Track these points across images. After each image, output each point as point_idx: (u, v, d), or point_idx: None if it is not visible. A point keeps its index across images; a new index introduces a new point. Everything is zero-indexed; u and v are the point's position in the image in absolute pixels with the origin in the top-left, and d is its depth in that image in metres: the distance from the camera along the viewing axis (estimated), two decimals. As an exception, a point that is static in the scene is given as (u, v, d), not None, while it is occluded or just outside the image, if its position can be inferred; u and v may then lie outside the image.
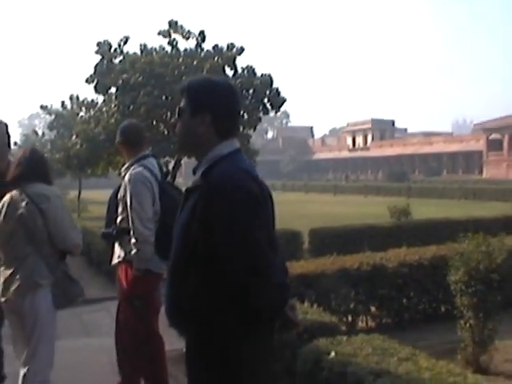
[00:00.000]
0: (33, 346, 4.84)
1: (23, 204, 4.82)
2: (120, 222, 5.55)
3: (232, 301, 2.74)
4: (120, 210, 5.55)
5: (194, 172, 2.99)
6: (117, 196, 5.73)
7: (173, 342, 6.06)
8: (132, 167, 5.53)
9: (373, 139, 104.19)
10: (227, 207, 2.69)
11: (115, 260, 5.66)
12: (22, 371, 4.85)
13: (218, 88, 3.01)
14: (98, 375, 6.60)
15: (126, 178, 5.47)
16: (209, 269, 2.77)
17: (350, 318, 8.55)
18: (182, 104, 3.01)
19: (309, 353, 4.50)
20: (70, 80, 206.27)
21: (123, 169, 5.68)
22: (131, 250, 5.33)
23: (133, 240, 5.30)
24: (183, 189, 3.10)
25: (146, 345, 5.53)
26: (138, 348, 5.50)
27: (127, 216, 5.41)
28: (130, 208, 5.34)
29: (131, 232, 5.33)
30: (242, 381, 2.85)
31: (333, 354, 4.26)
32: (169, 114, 15.13)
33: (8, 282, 4.83)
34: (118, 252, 5.61)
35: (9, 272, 4.83)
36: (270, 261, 2.73)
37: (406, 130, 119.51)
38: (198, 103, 2.95)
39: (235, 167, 2.82)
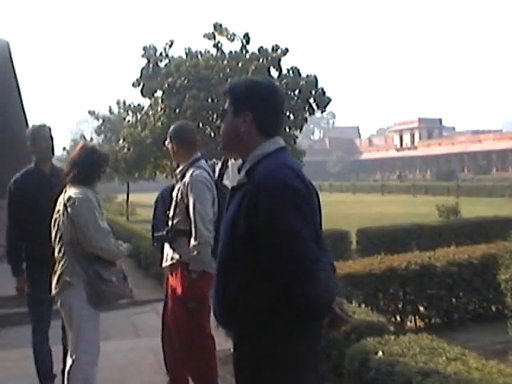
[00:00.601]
0: (74, 342, 4.93)
1: (60, 206, 4.95)
2: (176, 223, 5.46)
3: (279, 299, 2.75)
4: (176, 211, 5.47)
5: (239, 171, 3.01)
6: (164, 199, 5.74)
7: (220, 343, 6.09)
8: (191, 169, 5.45)
9: (420, 138, 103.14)
10: (271, 203, 2.70)
11: (167, 262, 5.55)
12: (67, 366, 4.97)
13: (259, 87, 3.04)
14: (146, 375, 6.67)
15: (186, 179, 5.38)
16: (255, 267, 2.78)
17: (398, 318, 8.49)
18: (225, 105, 3.06)
19: (356, 352, 4.47)
20: (117, 85, 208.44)
21: (178, 171, 5.61)
22: (187, 251, 5.26)
23: (193, 242, 5.19)
24: None
25: (198, 346, 5.42)
26: (190, 349, 5.41)
27: (184, 218, 5.36)
28: (193, 210, 5.24)
29: (193, 233, 5.23)
30: (290, 380, 2.85)
31: (380, 353, 4.22)
32: (215, 116, 15.19)
33: (52, 279, 4.99)
34: (171, 254, 5.50)
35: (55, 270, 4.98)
36: (316, 257, 2.72)
37: (453, 128, 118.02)
38: (239, 103, 2.98)
39: (279, 164, 2.83)
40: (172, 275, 5.50)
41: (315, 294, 2.72)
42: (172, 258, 5.47)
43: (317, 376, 3.04)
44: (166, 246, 5.59)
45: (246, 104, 2.96)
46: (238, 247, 2.83)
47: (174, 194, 5.50)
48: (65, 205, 4.88)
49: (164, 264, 5.63)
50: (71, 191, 4.93)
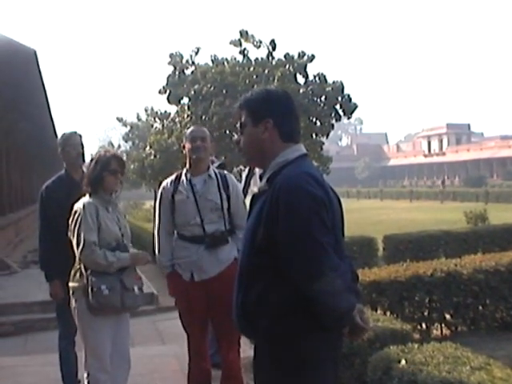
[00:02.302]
0: (84, 350, 5.03)
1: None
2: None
3: (298, 305, 2.76)
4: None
5: (261, 178, 3.02)
6: None
7: (245, 350, 6.09)
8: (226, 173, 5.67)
9: (448, 144, 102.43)
10: (291, 210, 2.72)
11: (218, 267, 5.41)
12: (84, 378, 5.07)
13: (273, 94, 3.11)
14: (169, 381, 6.70)
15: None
16: (275, 273, 2.79)
17: (424, 326, 8.41)
18: (241, 119, 3.08)
19: (379, 360, 4.43)
20: (145, 92, 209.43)
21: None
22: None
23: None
24: None
25: None
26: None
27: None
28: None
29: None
30: (308, 385, 2.85)
31: (403, 362, 4.19)
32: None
33: None
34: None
35: None
36: (335, 264, 2.72)
37: (482, 134, 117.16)
38: (257, 112, 3.02)
39: (300, 171, 2.84)
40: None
41: (332, 301, 2.71)
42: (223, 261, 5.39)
43: (336, 381, 3.04)
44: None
45: (264, 112, 3.00)
46: (258, 254, 2.85)
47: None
48: (72, 214, 4.99)
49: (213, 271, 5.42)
50: (80, 201, 5.00)
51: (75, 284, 4.95)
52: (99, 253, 4.81)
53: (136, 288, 4.98)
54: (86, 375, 4.99)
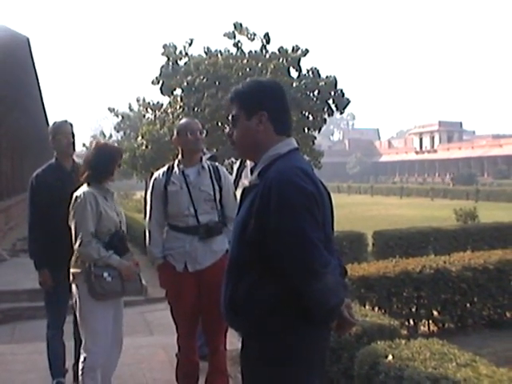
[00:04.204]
0: (83, 334, 5.14)
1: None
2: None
3: (288, 299, 2.76)
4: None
5: (252, 171, 3.01)
6: None
7: (233, 342, 6.10)
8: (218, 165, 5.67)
9: (440, 141, 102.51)
10: (282, 205, 2.71)
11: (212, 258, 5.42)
12: (81, 359, 5.15)
13: (266, 86, 3.09)
14: (157, 372, 6.70)
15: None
16: (265, 267, 2.79)
17: (411, 322, 8.45)
18: (233, 112, 3.05)
19: (366, 355, 4.44)
20: (137, 82, 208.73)
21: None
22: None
23: None
24: None
25: None
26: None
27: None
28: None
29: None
30: (295, 380, 2.86)
31: (390, 357, 4.20)
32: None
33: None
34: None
35: None
36: (325, 260, 2.72)
37: (474, 132, 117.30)
38: (251, 105, 2.99)
39: (291, 166, 2.83)
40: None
41: (323, 297, 2.71)
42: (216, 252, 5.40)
43: (323, 377, 3.04)
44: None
45: (258, 104, 2.97)
46: (248, 247, 2.84)
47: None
48: (72, 203, 5.06)
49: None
50: (79, 190, 5.08)
51: (77, 270, 5.02)
52: (94, 246, 4.94)
53: (107, 274, 5.04)
54: (82, 359, 5.05)
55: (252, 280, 2.82)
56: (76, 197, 5.03)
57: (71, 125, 6.13)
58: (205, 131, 5.75)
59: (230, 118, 3.09)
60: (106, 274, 4.93)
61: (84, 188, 5.07)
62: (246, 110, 2.99)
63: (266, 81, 3.25)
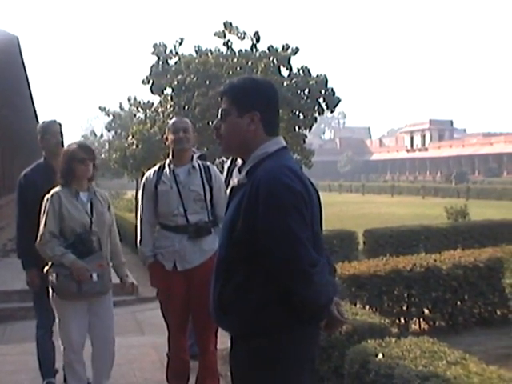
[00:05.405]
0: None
1: None
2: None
3: (276, 299, 2.75)
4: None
5: (240, 171, 3.00)
6: None
7: (223, 341, 6.08)
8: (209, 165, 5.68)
9: (431, 140, 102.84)
10: (270, 204, 2.69)
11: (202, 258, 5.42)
12: None
13: (262, 86, 3.05)
14: (148, 372, 6.68)
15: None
16: (253, 267, 2.78)
17: (402, 321, 8.46)
18: (224, 106, 3.03)
19: (356, 354, 4.45)
20: (128, 82, 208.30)
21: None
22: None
23: None
24: None
25: None
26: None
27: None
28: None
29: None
30: (286, 380, 2.85)
31: (380, 355, 4.20)
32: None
33: None
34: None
35: None
36: (314, 259, 2.70)
37: (464, 130, 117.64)
38: (244, 103, 2.96)
39: (279, 165, 2.81)
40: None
41: (312, 297, 2.71)
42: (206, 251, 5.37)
43: (313, 377, 3.04)
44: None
45: (251, 103, 2.94)
46: (236, 247, 2.83)
47: None
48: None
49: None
50: (49, 192, 5.24)
51: (49, 268, 5.15)
52: (50, 244, 5.05)
53: (95, 275, 5.08)
54: (63, 364, 5.18)
55: (240, 279, 2.81)
56: (46, 198, 5.16)
57: (60, 124, 6.13)
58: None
59: (219, 110, 3.05)
60: (60, 273, 5.01)
61: (54, 189, 5.20)
62: (238, 107, 2.96)
63: (262, 80, 3.20)
